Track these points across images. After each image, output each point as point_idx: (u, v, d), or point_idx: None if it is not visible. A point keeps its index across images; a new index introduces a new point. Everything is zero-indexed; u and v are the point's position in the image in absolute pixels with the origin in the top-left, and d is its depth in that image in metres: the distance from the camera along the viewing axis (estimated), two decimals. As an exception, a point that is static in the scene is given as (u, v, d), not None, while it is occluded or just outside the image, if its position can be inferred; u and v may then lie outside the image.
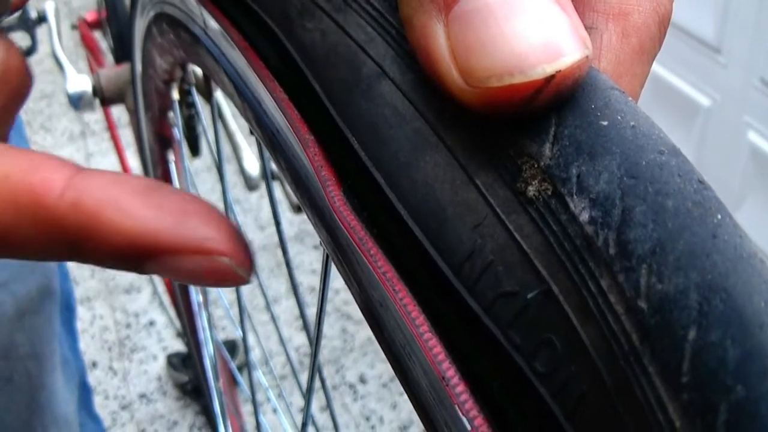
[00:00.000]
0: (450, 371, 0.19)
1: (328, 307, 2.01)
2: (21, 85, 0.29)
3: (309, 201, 0.24)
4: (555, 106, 0.19)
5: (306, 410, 0.43)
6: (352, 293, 0.23)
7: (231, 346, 1.77)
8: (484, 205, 0.19)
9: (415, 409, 0.21)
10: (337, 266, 0.24)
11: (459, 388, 0.18)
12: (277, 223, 0.48)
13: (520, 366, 0.18)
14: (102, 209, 0.23)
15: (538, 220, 0.18)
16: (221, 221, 0.24)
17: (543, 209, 0.18)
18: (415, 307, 0.20)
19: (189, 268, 0.23)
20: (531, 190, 0.18)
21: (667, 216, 0.17)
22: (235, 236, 0.24)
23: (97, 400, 1.82)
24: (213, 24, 0.32)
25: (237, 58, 0.29)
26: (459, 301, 0.19)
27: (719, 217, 0.17)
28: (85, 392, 1.19)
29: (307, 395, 0.42)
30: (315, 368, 0.40)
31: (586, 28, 0.23)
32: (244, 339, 0.66)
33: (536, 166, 0.19)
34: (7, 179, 0.23)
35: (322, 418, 1.68)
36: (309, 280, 2.06)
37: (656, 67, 1.66)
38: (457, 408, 0.18)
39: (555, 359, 0.17)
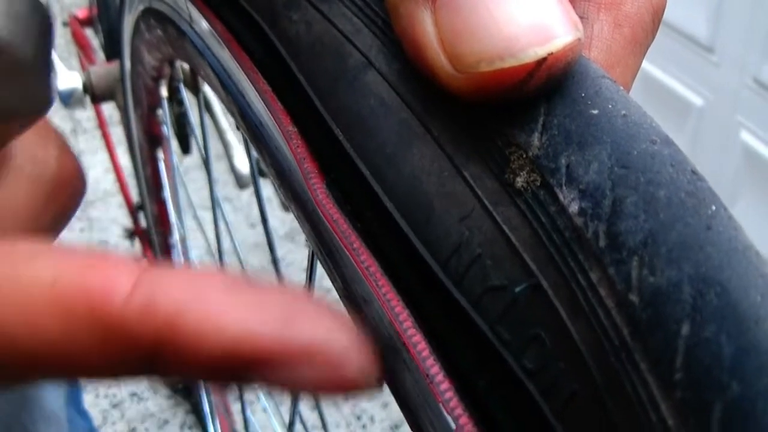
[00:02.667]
0: (434, 368, 0.18)
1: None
2: (75, 192, 0.25)
3: (292, 194, 0.24)
4: (546, 91, 0.19)
5: (293, 408, 0.43)
6: (336, 289, 0.23)
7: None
8: (471, 197, 0.18)
9: (400, 408, 0.20)
10: (320, 261, 0.24)
11: (444, 386, 0.18)
12: (264, 221, 0.47)
13: (508, 362, 0.17)
14: (183, 312, 0.18)
15: (526, 211, 0.18)
16: (337, 317, 0.19)
17: (531, 201, 0.18)
18: (399, 302, 0.19)
19: (306, 377, 0.18)
20: (519, 181, 0.18)
21: (660, 207, 0.16)
22: (355, 335, 0.19)
23: (88, 399, 1.82)
24: (198, 18, 0.31)
25: (221, 51, 0.29)
26: (446, 295, 0.18)
27: (713, 208, 0.17)
28: (74, 389, 1.18)
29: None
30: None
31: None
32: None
33: (524, 156, 0.18)
34: (54, 285, 0.18)
35: (312, 417, 1.67)
36: (300, 279, 2.05)
37: (648, 66, 1.66)
38: (441, 406, 0.18)
39: (544, 355, 0.16)
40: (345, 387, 0.19)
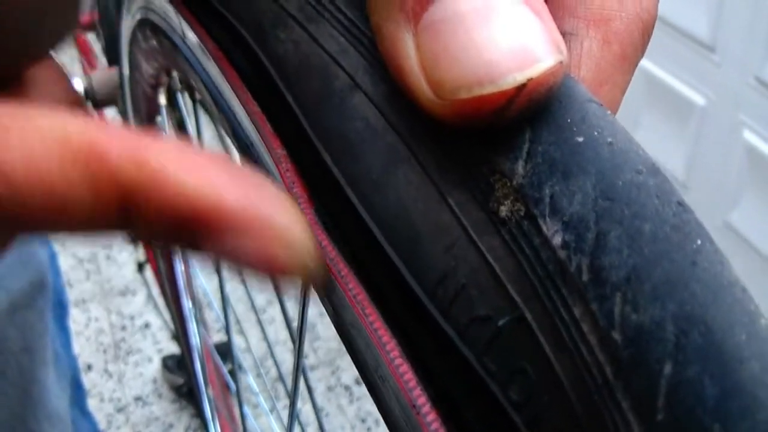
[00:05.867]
0: (421, 399, 0.18)
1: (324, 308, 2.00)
2: None
3: (282, 217, 0.24)
4: (528, 115, 0.18)
5: (291, 410, 0.43)
6: (328, 314, 0.23)
7: (225, 350, 1.76)
8: (456, 226, 0.18)
9: None
10: (314, 287, 0.23)
11: (430, 417, 0.18)
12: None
13: (494, 393, 0.17)
14: (165, 166, 0.20)
15: (510, 242, 0.17)
16: (296, 208, 0.21)
17: (515, 231, 0.17)
18: (387, 331, 0.19)
19: (253, 248, 0.20)
20: (504, 210, 0.18)
21: (644, 241, 0.16)
22: (308, 226, 0.20)
23: (93, 403, 1.82)
24: (191, 34, 0.31)
25: (212, 68, 0.29)
26: (433, 325, 0.18)
27: (699, 242, 0.16)
28: (78, 390, 1.18)
29: (292, 394, 0.42)
30: (299, 369, 0.40)
31: (566, 34, 0.22)
32: (229, 337, 0.65)
33: (509, 184, 0.18)
34: (63, 129, 0.20)
35: (315, 421, 1.67)
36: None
37: (650, 66, 1.66)
38: None
39: (529, 388, 0.16)
40: (281, 268, 0.20)
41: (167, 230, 0.20)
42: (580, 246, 0.16)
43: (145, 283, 2.01)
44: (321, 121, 0.22)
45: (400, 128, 0.20)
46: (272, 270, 0.20)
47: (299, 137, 0.22)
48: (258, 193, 0.20)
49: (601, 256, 0.16)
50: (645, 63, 1.68)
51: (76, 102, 0.29)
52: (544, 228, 0.17)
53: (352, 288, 0.20)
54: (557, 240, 0.17)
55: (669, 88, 1.63)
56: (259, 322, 0.80)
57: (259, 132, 0.24)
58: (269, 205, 0.20)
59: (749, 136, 1.49)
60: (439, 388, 0.18)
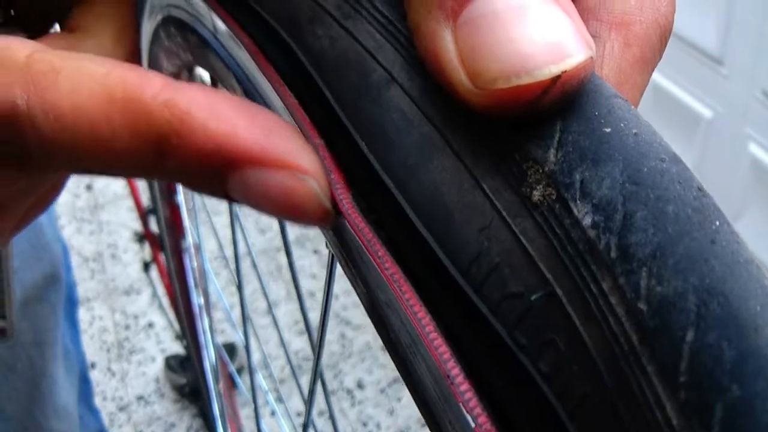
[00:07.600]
0: (455, 370, 0.19)
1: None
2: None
3: (318, 203, 0.25)
4: (561, 106, 0.20)
5: (307, 413, 0.44)
6: (358, 294, 0.24)
7: (230, 349, 1.77)
8: (490, 209, 0.19)
9: (419, 409, 0.21)
10: (343, 268, 0.25)
11: (463, 387, 0.19)
12: (282, 228, 0.48)
13: (525, 365, 0.18)
14: (194, 110, 0.22)
15: (542, 223, 0.19)
16: (309, 146, 0.23)
17: (547, 213, 0.19)
18: (422, 307, 0.20)
19: (273, 184, 0.22)
20: (536, 195, 0.19)
21: (668, 221, 0.17)
22: (321, 164, 0.23)
23: (95, 401, 1.82)
24: (222, 27, 0.32)
25: (247, 62, 0.30)
26: (466, 301, 0.19)
27: (717, 223, 0.18)
28: (85, 385, 1.19)
29: (309, 398, 0.42)
30: (317, 372, 0.40)
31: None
32: (247, 343, 0.66)
33: (541, 171, 0.19)
34: (108, 74, 0.23)
35: (320, 423, 1.68)
36: (309, 285, 2.06)
37: (658, 78, 1.67)
38: (461, 406, 0.19)
39: (558, 359, 0.18)
40: (302, 200, 0.23)
41: (196, 170, 0.23)
42: (609, 226, 0.18)
43: (150, 282, 2.02)
44: (358, 113, 0.23)
45: (435, 120, 0.21)
46: (289, 206, 0.23)
47: (336, 128, 0.24)
48: (276, 133, 0.23)
49: (628, 235, 0.17)
50: (653, 75, 1.68)
51: (131, 53, 0.33)
52: (575, 210, 0.18)
53: (388, 267, 0.21)
54: (587, 221, 0.18)
55: (676, 100, 1.64)
56: (275, 321, 0.82)
57: (296, 123, 0.25)
58: (285, 143, 0.23)
59: (755, 150, 1.50)
60: (471, 363, 0.19)
